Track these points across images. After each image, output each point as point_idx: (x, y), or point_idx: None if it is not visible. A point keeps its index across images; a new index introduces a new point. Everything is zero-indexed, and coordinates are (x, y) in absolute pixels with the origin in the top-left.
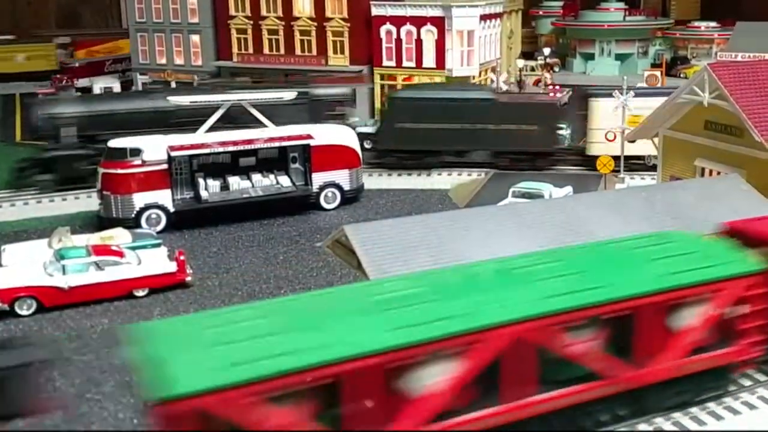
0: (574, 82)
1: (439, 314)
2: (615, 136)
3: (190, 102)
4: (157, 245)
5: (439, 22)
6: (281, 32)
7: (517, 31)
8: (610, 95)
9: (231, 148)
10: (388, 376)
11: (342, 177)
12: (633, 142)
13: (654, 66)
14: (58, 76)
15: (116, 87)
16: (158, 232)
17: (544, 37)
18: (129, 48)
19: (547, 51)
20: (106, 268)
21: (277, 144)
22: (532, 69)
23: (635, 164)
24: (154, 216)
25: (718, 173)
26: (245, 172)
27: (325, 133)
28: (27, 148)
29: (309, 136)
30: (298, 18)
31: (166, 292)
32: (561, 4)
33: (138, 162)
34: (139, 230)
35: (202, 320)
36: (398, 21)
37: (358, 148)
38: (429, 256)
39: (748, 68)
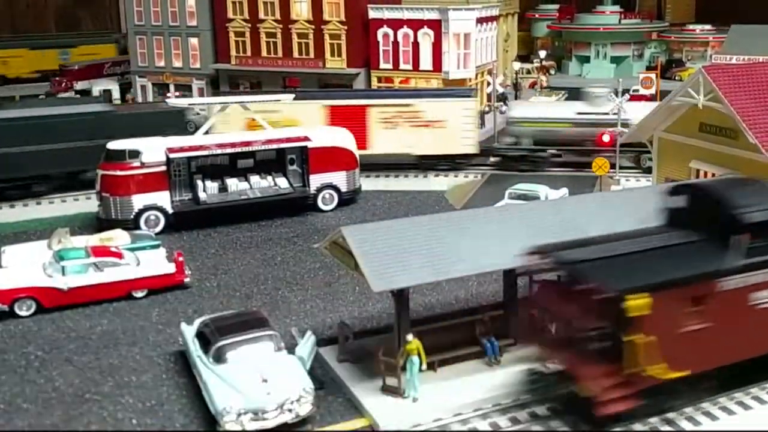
0: (570, 84)
1: None
2: None
3: (189, 104)
4: (156, 246)
5: (436, 25)
6: (279, 35)
7: (514, 33)
8: None
9: (229, 150)
10: None
11: (339, 179)
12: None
13: (649, 69)
14: (57, 78)
15: (115, 90)
16: (157, 234)
17: (540, 39)
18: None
19: (543, 54)
20: (105, 269)
21: (274, 146)
22: (528, 72)
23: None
24: (152, 217)
25: (713, 175)
26: (243, 174)
27: (322, 136)
28: None
29: (306, 138)
30: (295, 21)
31: (165, 293)
32: (557, 7)
33: (137, 164)
34: (138, 231)
35: None
36: (395, 24)
37: (355, 150)
38: (426, 258)
39: (743, 71)
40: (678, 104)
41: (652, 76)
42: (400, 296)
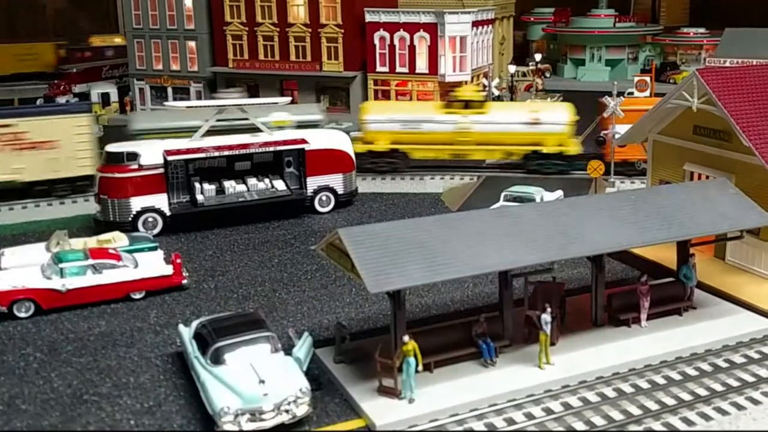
0: (565, 87)
1: None
2: None
3: (187, 107)
4: (154, 248)
5: (432, 29)
6: (276, 38)
7: (509, 37)
8: None
9: (226, 153)
10: None
11: (336, 181)
12: (623, 146)
13: (644, 71)
14: (56, 81)
15: (113, 93)
16: (155, 236)
17: (536, 43)
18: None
19: (538, 57)
20: (103, 271)
21: (272, 148)
22: (524, 74)
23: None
24: (150, 219)
25: (707, 177)
26: (241, 176)
27: (319, 138)
28: None
29: (303, 141)
30: (292, 24)
31: (163, 294)
32: (552, 10)
33: (135, 166)
34: (136, 233)
35: None
36: (392, 27)
37: (352, 153)
38: (422, 259)
39: (737, 74)
40: (672, 107)
41: (647, 79)
42: (397, 297)
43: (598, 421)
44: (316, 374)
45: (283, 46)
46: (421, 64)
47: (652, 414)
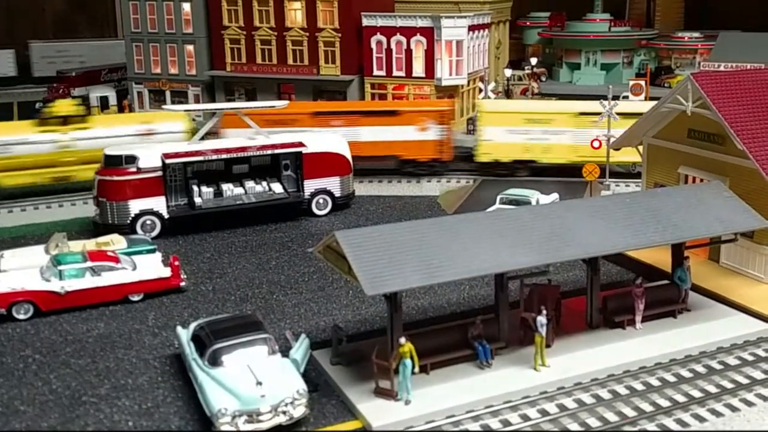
0: (560, 91)
1: None
2: None
3: (185, 111)
4: (152, 251)
5: (429, 33)
6: (274, 42)
7: (505, 41)
8: None
9: (224, 156)
10: None
11: (333, 184)
12: (618, 149)
13: (639, 76)
14: (55, 85)
15: (112, 96)
16: (153, 238)
17: (531, 47)
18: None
19: (534, 61)
20: (102, 273)
21: (269, 152)
22: (520, 78)
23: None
24: (149, 222)
25: (701, 180)
26: (238, 179)
27: (316, 141)
28: None
29: (301, 144)
30: (290, 28)
31: (161, 296)
32: (548, 14)
33: (133, 169)
34: (134, 236)
35: None
36: (388, 31)
37: (348, 156)
38: (418, 262)
39: (731, 78)
40: (667, 111)
41: (642, 82)
42: (393, 300)
43: (593, 422)
44: (312, 376)
45: (281, 50)
46: (418, 68)
47: (646, 415)
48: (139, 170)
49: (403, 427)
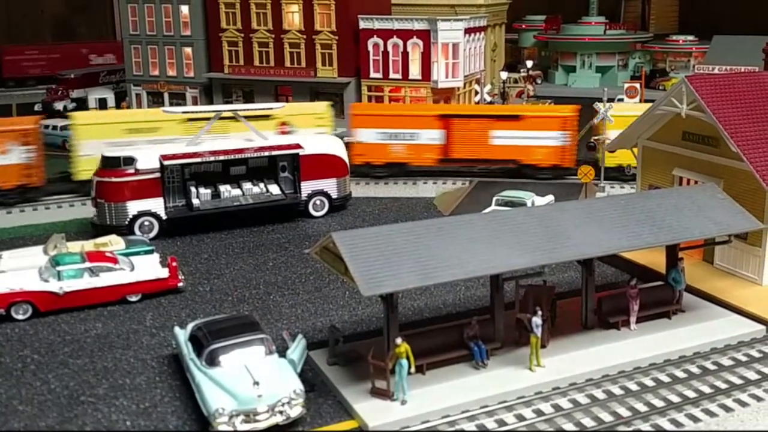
0: (556, 93)
1: None
2: None
3: (183, 113)
4: (150, 252)
5: (425, 36)
6: (271, 45)
7: (501, 43)
8: None
9: (222, 157)
10: None
11: (330, 185)
12: (613, 152)
13: (633, 78)
14: (53, 87)
15: (110, 98)
16: (151, 239)
17: (527, 49)
18: None
19: (529, 63)
20: (100, 273)
21: (266, 153)
22: (516, 81)
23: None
24: (147, 223)
25: (696, 182)
26: (236, 181)
27: (313, 143)
28: None
29: (298, 146)
30: (287, 31)
31: (159, 297)
32: (543, 18)
33: (131, 171)
34: (132, 237)
35: None
36: (385, 34)
37: (345, 158)
38: (414, 263)
39: (725, 80)
40: (661, 113)
41: (637, 85)
42: (390, 300)
43: (588, 422)
44: (309, 376)
45: (278, 53)
46: (414, 71)
47: (641, 415)
48: (137, 172)
49: (399, 427)
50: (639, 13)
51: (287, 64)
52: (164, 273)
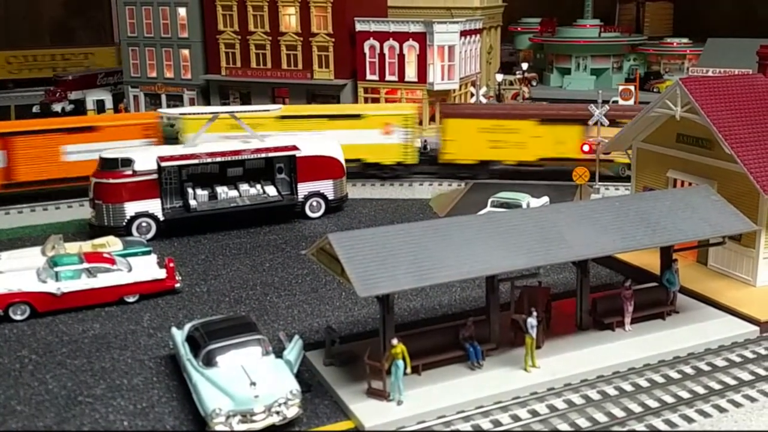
0: (551, 95)
1: None
2: None
3: (180, 114)
4: (148, 253)
5: (421, 38)
6: (268, 47)
7: (496, 46)
8: None
9: (219, 159)
10: None
11: (326, 187)
12: (608, 153)
13: (628, 81)
14: (51, 88)
15: (108, 100)
16: (148, 240)
17: (522, 52)
18: None
19: (525, 66)
20: (97, 274)
21: (263, 155)
22: (511, 83)
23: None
24: (144, 224)
25: (690, 184)
26: (233, 182)
27: (310, 145)
28: None
29: (295, 148)
30: (284, 33)
31: (156, 298)
32: (539, 20)
33: (129, 172)
34: (130, 238)
35: None
36: (381, 36)
37: (342, 159)
38: (410, 264)
39: (719, 83)
40: (656, 115)
41: (631, 87)
42: (386, 301)
43: (583, 423)
44: (305, 376)
45: (275, 55)
46: (410, 73)
47: (635, 416)
48: (135, 173)
49: (395, 428)
50: (634, 16)
51: (284, 66)
52: (161, 274)
